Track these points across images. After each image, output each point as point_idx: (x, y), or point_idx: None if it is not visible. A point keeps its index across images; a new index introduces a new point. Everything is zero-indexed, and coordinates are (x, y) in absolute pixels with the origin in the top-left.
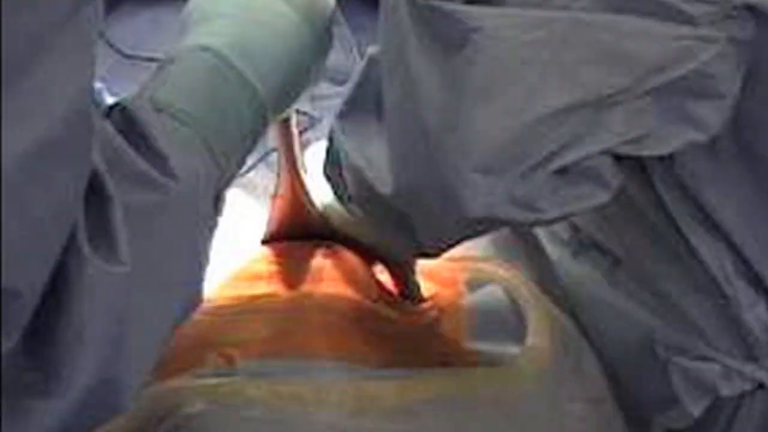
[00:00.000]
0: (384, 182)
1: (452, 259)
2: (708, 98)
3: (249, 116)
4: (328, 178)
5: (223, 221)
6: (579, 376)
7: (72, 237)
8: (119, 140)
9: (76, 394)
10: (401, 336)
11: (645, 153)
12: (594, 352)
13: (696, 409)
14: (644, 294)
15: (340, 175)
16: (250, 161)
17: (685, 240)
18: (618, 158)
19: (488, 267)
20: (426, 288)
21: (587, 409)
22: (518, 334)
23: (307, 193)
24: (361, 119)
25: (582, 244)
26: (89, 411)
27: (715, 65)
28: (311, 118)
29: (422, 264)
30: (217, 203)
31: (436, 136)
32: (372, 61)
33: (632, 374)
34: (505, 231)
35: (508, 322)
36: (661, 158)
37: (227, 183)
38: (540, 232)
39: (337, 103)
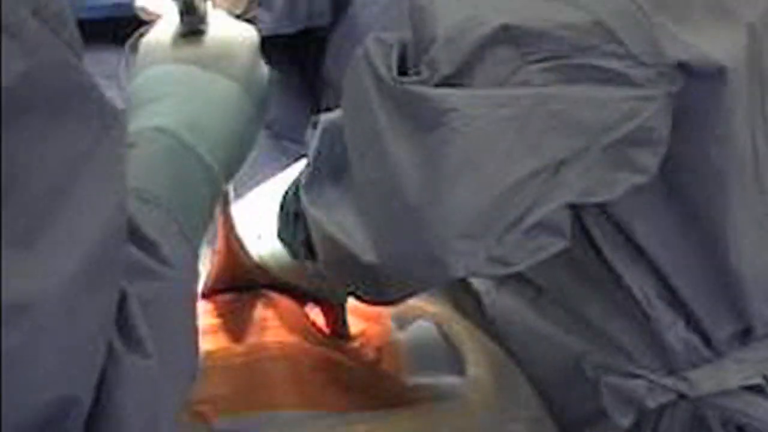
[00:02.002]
0: (365, 252)
1: None
2: (648, 146)
3: (207, 191)
4: (283, 240)
5: None
6: (517, 399)
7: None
8: None
9: None
10: (351, 377)
11: (596, 200)
12: (526, 377)
13: (625, 421)
14: (570, 319)
15: (303, 239)
16: None
17: (609, 268)
18: (573, 208)
19: (414, 302)
20: (353, 323)
21: (528, 428)
22: (456, 367)
23: (242, 246)
24: (321, 187)
25: (505, 275)
26: None
27: (655, 119)
28: None
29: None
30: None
31: (418, 210)
32: (325, 131)
33: (563, 393)
34: None
35: (443, 355)
36: None
37: (198, 259)
38: None
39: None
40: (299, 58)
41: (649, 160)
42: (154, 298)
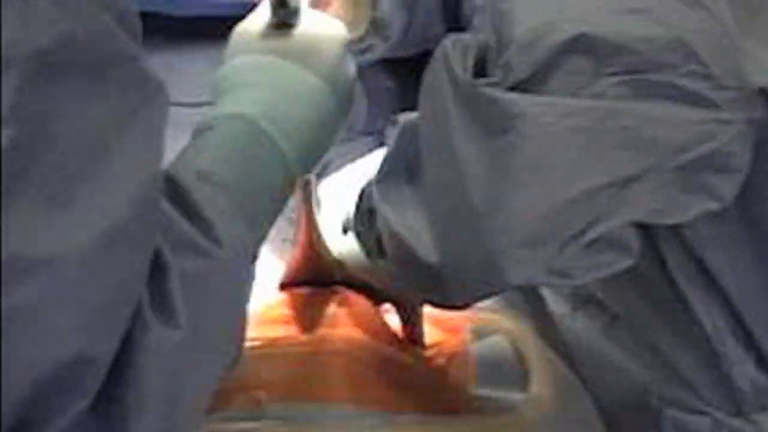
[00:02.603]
0: (428, 251)
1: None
2: (725, 172)
3: (279, 181)
4: (359, 236)
5: None
6: (579, 423)
7: (137, 305)
8: (170, 209)
9: None
10: (414, 381)
11: (666, 221)
12: (591, 401)
13: None
14: (640, 348)
15: (376, 236)
16: None
17: (681, 298)
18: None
19: (493, 317)
20: (432, 334)
21: None
22: (521, 383)
23: (322, 242)
24: (395, 185)
25: (582, 299)
26: None
27: (733, 144)
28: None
29: (429, 311)
30: (253, 266)
31: (481, 213)
32: (405, 130)
33: (626, 423)
34: None
35: (512, 370)
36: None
37: (260, 246)
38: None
39: (346, 147)
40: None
41: (726, 187)
42: (199, 275)
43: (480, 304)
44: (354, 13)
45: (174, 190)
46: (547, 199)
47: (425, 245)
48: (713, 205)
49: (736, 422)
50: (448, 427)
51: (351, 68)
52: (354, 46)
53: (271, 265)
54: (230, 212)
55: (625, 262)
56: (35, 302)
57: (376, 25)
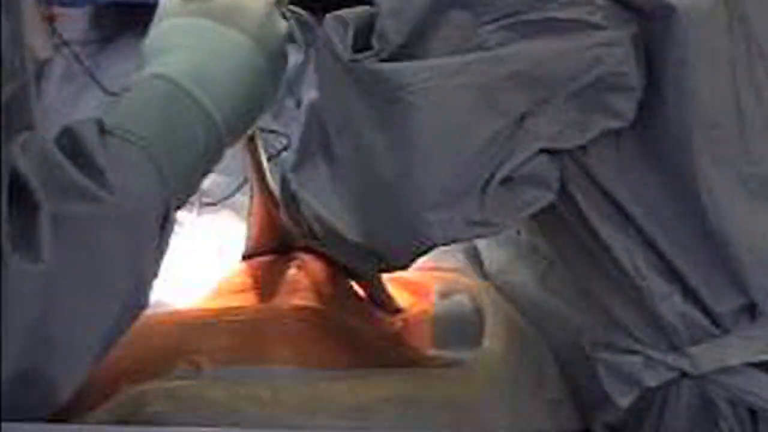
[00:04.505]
0: (350, 229)
1: (423, 269)
2: (619, 91)
3: (203, 139)
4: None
5: (211, 241)
6: (537, 377)
7: None
8: (57, 155)
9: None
10: (362, 343)
11: (570, 144)
12: (551, 355)
13: (624, 401)
14: (573, 294)
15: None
16: (235, 184)
17: (597, 236)
18: (552, 155)
19: (457, 276)
20: (402, 298)
21: (545, 408)
22: (478, 340)
23: (278, 208)
24: (312, 169)
25: (522, 249)
26: (17, 400)
27: (623, 65)
28: (284, 135)
29: (398, 275)
30: (165, 222)
31: (392, 184)
32: (312, 109)
33: (571, 374)
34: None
35: (470, 328)
36: (572, 157)
37: (179, 202)
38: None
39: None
40: None
41: (623, 104)
42: (81, 217)
43: (444, 264)
44: None
45: (70, 140)
46: (450, 159)
47: (348, 224)
48: (614, 123)
49: (670, 357)
50: (381, 383)
51: (279, 25)
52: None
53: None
54: (134, 162)
55: (546, 198)
56: None
57: None
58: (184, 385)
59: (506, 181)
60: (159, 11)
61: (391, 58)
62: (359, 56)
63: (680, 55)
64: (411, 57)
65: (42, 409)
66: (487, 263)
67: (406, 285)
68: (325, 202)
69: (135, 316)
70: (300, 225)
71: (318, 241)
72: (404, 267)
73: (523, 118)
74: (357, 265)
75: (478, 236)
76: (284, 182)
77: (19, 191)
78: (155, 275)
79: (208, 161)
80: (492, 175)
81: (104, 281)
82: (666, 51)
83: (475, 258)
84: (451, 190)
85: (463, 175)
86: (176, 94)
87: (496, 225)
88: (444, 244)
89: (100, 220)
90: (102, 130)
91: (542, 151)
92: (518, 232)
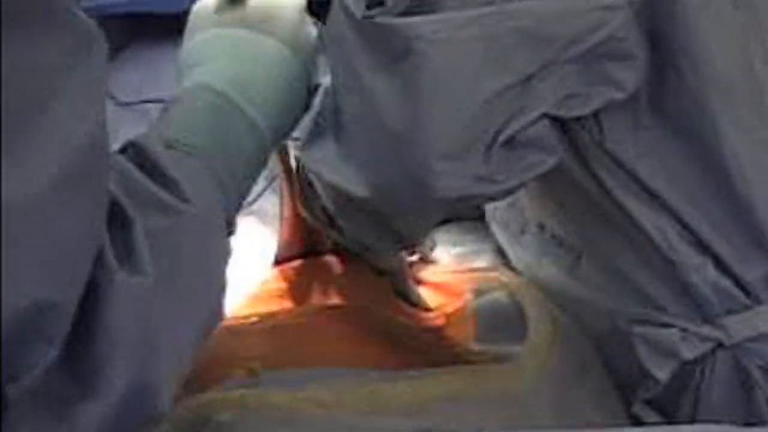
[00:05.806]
0: (358, 186)
1: (459, 272)
2: (621, 60)
3: (250, 146)
4: (309, 211)
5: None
6: (581, 369)
7: (100, 255)
8: (135, 172)
9: (113, 398)
10: (408, 340)
11: (573, 114)
12: (593, 346)
13: (662, 374)
14: (606, 278)
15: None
16: (258, 189)
17: (627, 213)
18: (556, 122)
19: (493, 274)
20: (435, 300)
21: (591, 398)
22: (521, 335)
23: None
24: (323, 147)
25: (547, 245)
26: (128, 415)
27: (624, 30)
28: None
29: (431, 277)
30: (228, 227)
31: (400, 138)
32: (326, 93)
33: (609, 358)
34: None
35: (511, 324)
36: (592, 137)
37: (236, 208)
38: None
39: None
40: None
41: (625, 75)
42: (167, 230)
43: (478, 264)
44: None
45: (143, 156)
46: (458, 111)
47: (356, 182)
48: (617, 95)
49: (705, 329)
50: (438, 382)
51: (311, 31)
52: None
53: (270, 243)
54: (198, 173)
55: (549, 162)
56: None
57: None
58: (249, 393)
59: (510, 142)
60: (190, 24)
61: (403, 14)
62: (372, 12)
63: (688, 24)
64: (422, 13)
65: (147, 421)
66: (513, 262)
67: (437, 287)
68: (336, 168)
69: (216, 324)
70: (316, 216)
71: (338, 230)
72: (416, 242)
73: (529, 78)
74: (376, 245)
75: (484, 194)
76: (298, 168)
77: (111, 207)
78: (227, 282)
79: (256, 168)
80: (498, 132)
81: (192, 291)
82: (672, 18)
83: (502, 259)
84: (459, 140)
85: (471, 126)
86: (223, 104)
87: (502, 183)
88: (450, 205)
89: (182, 230)
90: (166, 145)
91: (546, 116)
92: (541, 227)
